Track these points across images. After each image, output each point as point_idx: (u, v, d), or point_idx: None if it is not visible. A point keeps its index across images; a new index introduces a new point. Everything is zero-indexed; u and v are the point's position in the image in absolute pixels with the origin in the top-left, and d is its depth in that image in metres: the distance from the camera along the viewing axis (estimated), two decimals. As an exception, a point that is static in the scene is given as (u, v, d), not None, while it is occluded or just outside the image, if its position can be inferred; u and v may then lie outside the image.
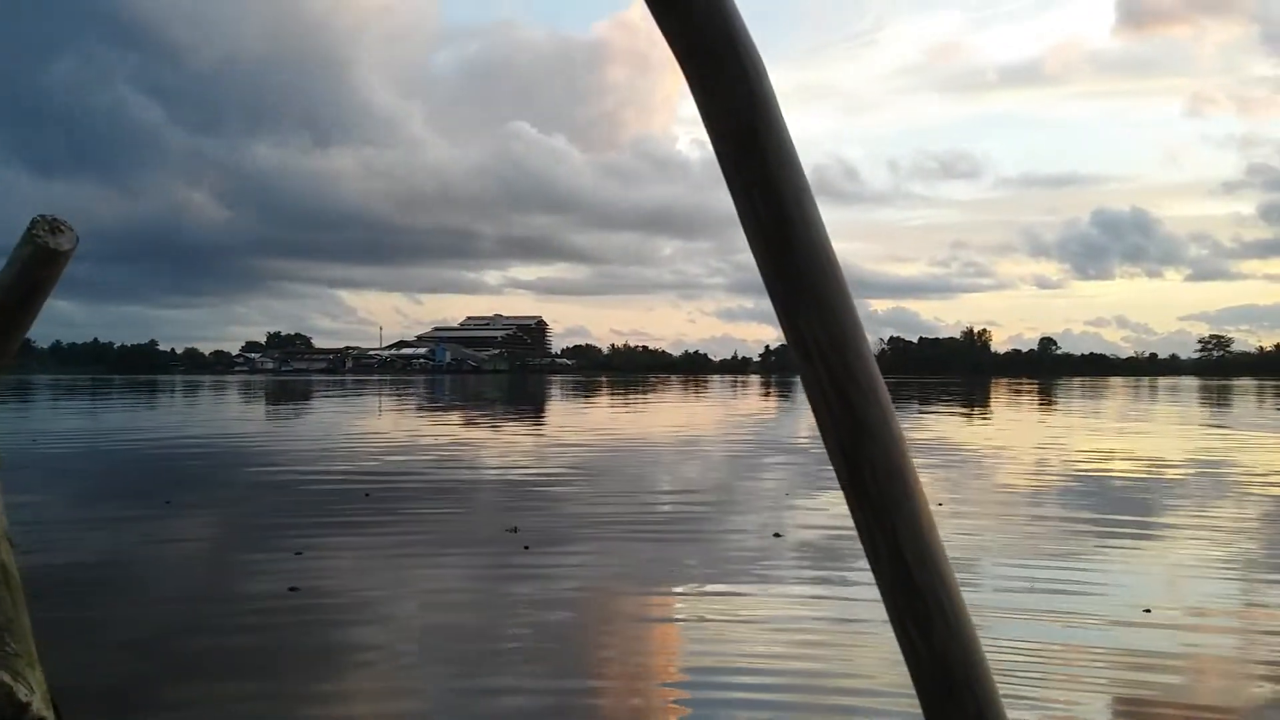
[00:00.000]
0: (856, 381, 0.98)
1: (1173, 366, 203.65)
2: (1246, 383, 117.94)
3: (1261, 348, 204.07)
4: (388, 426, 31.30)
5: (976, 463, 19.30)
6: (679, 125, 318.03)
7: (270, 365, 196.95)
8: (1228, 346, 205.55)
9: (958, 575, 1.08)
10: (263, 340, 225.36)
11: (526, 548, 9.93)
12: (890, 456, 1.00)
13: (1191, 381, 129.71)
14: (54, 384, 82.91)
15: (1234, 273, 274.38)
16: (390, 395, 62.51)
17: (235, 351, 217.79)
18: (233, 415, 39.10)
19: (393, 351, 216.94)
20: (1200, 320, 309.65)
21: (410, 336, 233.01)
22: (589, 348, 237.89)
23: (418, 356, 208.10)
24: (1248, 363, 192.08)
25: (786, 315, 1.01)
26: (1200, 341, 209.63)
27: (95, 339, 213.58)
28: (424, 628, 7.13)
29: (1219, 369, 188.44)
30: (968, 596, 1.08)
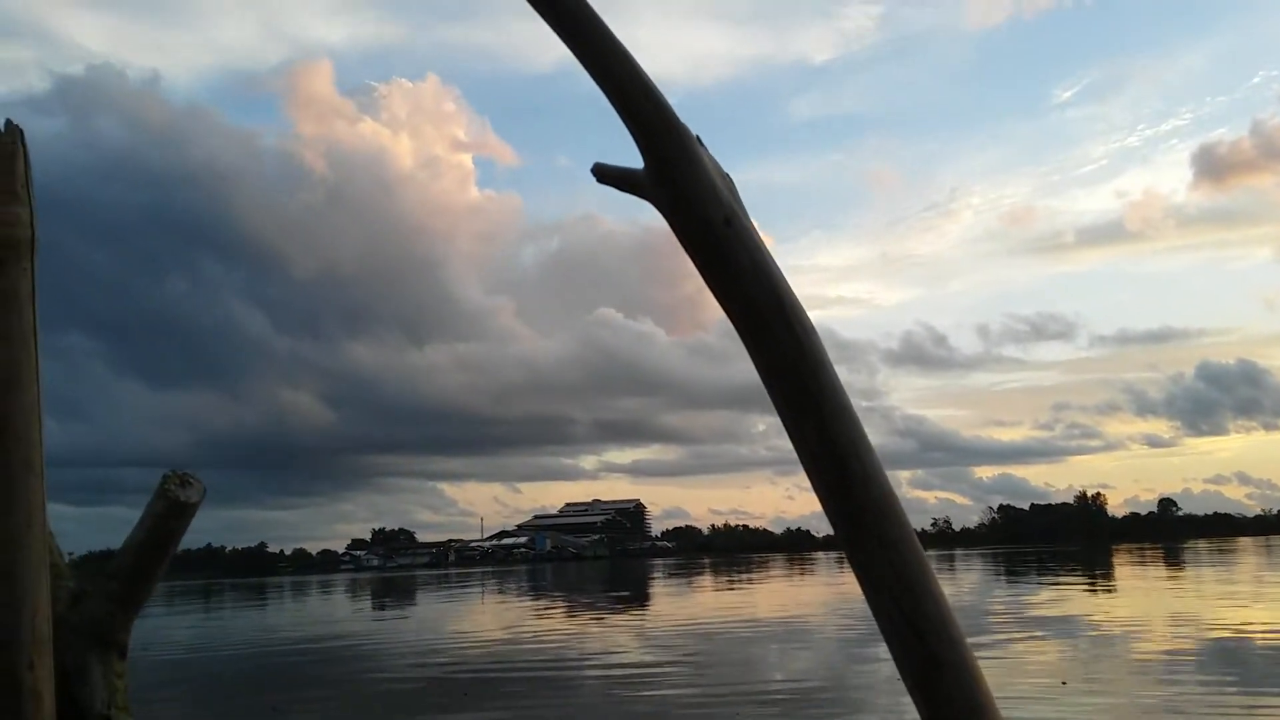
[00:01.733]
0: (928, 619, 1.04)
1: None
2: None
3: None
4: (489, 621, 31.08)
5: (1111, 636, 18.25)
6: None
7: (375, 562, 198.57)
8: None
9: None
10: (368, 537, 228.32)
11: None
12: (966, 691, 1.04)
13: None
14: (169, 590, 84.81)
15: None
16: (492, 587, 62.31)
17: (341, 550, 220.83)
18: (341, 614, 39.30)
19: (494, 542, 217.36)
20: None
21: (510, 526, 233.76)
22: (689, 529, 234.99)
23: (518, 546, 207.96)
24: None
25: (851, 551, 1.10)
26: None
27: (209, 544, 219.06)
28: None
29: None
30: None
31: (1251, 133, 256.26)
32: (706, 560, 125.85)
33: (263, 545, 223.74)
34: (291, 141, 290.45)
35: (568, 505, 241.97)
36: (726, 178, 1.74)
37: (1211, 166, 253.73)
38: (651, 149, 1.67)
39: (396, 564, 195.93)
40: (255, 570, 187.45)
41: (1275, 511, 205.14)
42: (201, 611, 45.37)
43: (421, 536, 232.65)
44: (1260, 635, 17.36)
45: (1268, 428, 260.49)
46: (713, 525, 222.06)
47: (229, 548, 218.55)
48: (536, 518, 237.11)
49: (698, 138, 1.72)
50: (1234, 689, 11.78)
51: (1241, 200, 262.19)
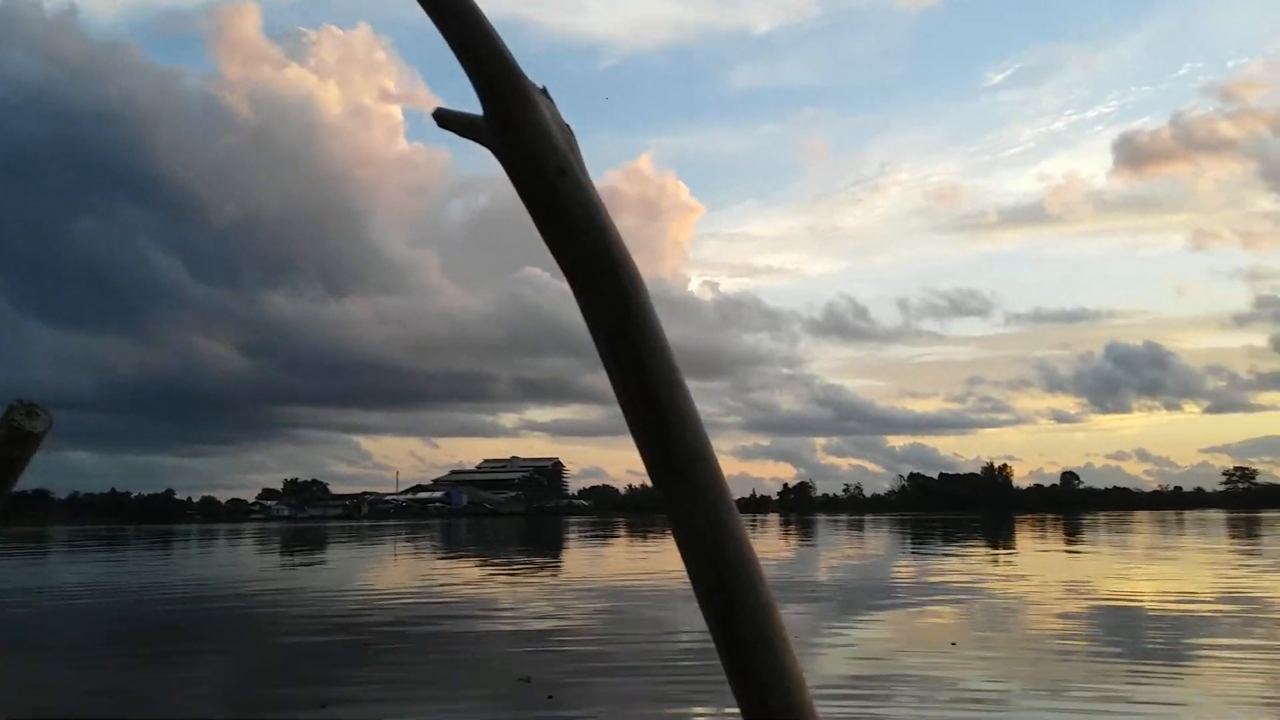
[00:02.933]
0: (729, 561, 1.09)
1: (1198, 499, 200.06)
2: (1275, 515, 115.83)
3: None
4: (399, 576, 30.88)
5: (1003, 601, 18.81)
6: (690, 268, 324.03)
7: (286, 513, 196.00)
8: (1253, 479, 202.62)
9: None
10: (279, 487, 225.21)
11: (550, 697, 9.67)
12: (763, 632, 1.08)
13: (1219, 514, 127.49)
14: (72, 535, 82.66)
15: (1253, 404, 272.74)
16: (405, 541, 61.96)
17: (252, 499, 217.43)
18: (247, 564, 38.72)
19: (409, 496, 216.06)
20: (1223, 453, 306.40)
21: (426, 480, 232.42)
22: (606, 488, 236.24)
23: (434, 500, 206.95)
24: (1275, 495, 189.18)
25: (666, 497, 1.14)
26: (1225, 474, 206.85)
27: (113, 489, 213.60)
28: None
29: (1246, 501, 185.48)
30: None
31: (1172, 123, 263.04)
32: (622, 519, 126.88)
33: (170, 492, 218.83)
34: (215, 84, 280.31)
35: (486, 461, 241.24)
36: (566, 129, 1.73)
37: (1132, 154, 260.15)
38: (490, 96, 1.69)
39: (308, 515, 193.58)
40: (161, 517, 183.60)
41: (1171, 487, 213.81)
42: (101, 558, 44.26)
43: (335, 489, 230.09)
44: (1148, 605, 18.02)
45: (1169, 408, 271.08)
46: (630, 485, 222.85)
47: (135, 493, 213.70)
48: (453, 473, 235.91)
49: (543, 89, 1.74)
50: (1118, 655, 12.21)
51: (1159, 189, 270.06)
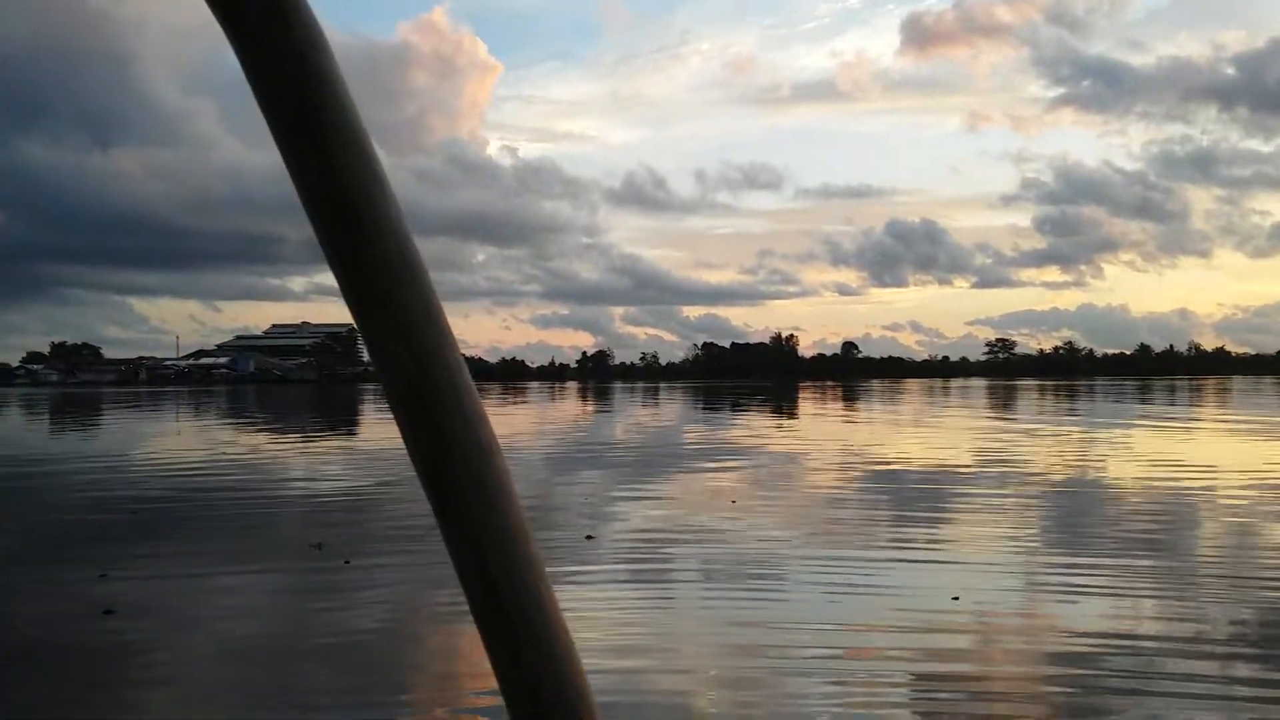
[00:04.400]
0: (439, 389, 0.88)
1: (963, 368, 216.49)
2: (1029, 383, 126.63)
3: (1041, 350, 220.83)
4: (181, 442, 29.67)
5: (783, 461, 19.92)
6: (489, 130, 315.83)
7: (54, 378, 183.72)
8: (1011, 349, 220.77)
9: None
10: (46, 351, 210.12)
11: (347, 561, 9.62)
12: (476, 469, 0.91)
13: (980, 382, 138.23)
14: None
15: (1015, 280, 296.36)
16: (187, 408, 59.36)
17: (15, 363, 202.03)
18: (14, 433, 36.20)
19: (191, 361, 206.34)
20: (986, 325, 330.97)
21: (210, 345, 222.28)
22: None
23: (218, 366, 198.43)
24: (1029, 364, 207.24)
25: (359, 316, 0.88)
26: (987, 345, 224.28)
27: None
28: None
29: (1004, 370, 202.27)
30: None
31: (955, 5, 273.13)
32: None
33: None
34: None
35: (274, 327, 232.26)
36: None
37: (918, 35, 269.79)
38: None
39: (79, 380, 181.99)
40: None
41: (940, 357, 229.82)
42: None
43: (109, 353, 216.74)
44: (915, 464, 19.49)
45: (941, 282, 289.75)
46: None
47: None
48: (239, 338, 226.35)
49: None
50: (886, 507, 13.22)
51: (940, 70, 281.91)
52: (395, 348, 0.89)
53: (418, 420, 0.87)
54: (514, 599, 0.90)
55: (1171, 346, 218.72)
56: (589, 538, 10.99)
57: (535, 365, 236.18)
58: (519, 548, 0.93)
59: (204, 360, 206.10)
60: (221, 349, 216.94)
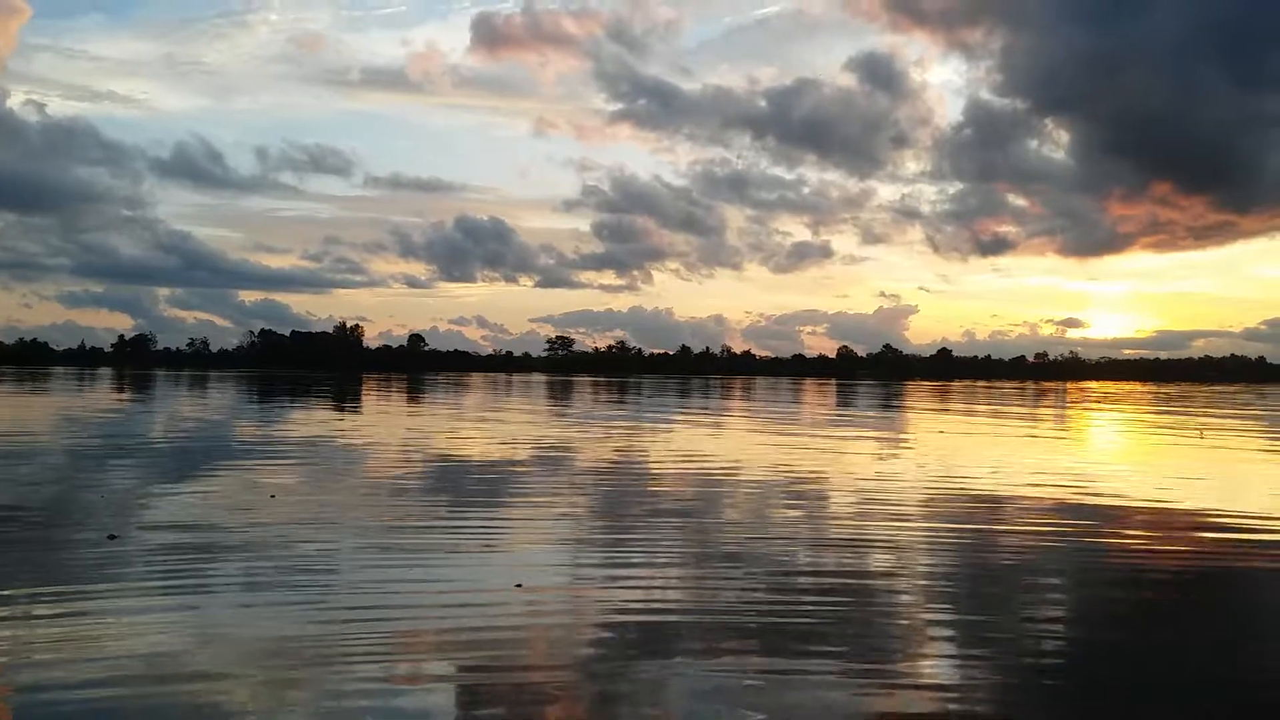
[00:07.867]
0: None
1: (526, 363, 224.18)
2: (584, 378, 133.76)
3: (596, 348, 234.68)
4: None
5: (337, 453, 19.21)
6: (11, 81, 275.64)
7: None
8: (570, 346, 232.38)
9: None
10: None
11: None
12: None
13: (541, 377, 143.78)
14: None
15: (575, 281, 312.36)
16: None
17: None
18: None
19: None
20: (548, 322, 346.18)
21: None
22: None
23: None
24: (586, 360, 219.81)
25: None
26: (548, 341, 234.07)
27: None
28: None
29: (564, 366, 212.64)
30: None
31: (524, 10, 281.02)
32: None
33: None
34: None
35: None
36: None
37: (489, 35, 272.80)
38: None
39: None
40: None
41: (504, 352, 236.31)
42: None
43: None
44: (474, 456, 19.65)
45: (507, 280, 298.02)
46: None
47: None
48: None
49: None
50: (445, 503, 13.16)
51: (513, 73, 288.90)
52: None
53: None
54: None
55: (708, 348, 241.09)
56: (111, 537, 9.92)
57: (62, 349, 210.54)
58: None
59: None
60: None
